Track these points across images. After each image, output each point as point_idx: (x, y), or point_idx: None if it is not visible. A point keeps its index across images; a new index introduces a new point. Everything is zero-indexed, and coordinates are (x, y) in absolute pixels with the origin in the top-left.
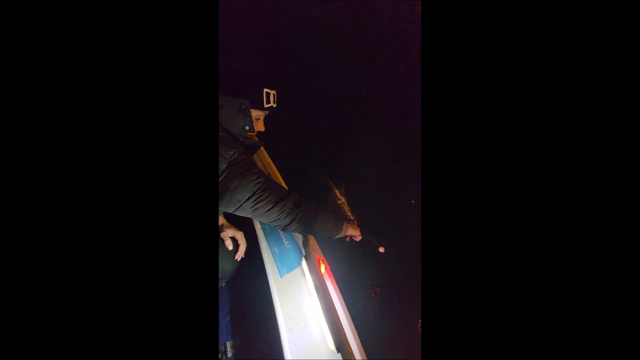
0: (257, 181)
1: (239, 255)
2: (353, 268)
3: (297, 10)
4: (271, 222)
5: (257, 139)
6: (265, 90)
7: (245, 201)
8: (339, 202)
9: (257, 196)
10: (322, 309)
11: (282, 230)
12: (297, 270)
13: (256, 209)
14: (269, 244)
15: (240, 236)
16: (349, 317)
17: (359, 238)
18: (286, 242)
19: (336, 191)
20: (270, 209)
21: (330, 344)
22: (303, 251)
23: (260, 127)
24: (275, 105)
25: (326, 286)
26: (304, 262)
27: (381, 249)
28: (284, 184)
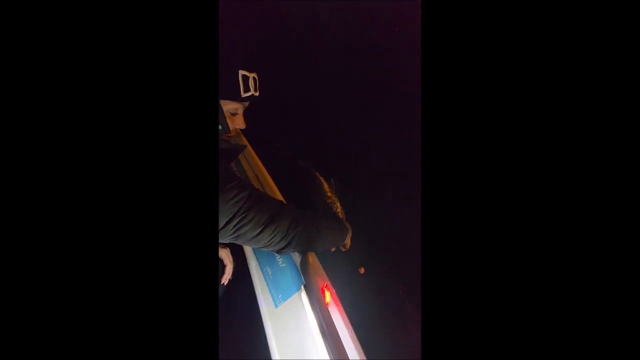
0: (236, 199)
1: (225, 278)
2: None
3: (296, 10)
4: (262, 247)
5: (235, 141)
6: (242, 72)
7: (223, 226)
8: (329, 200)
9: (239, 219)
10: (330, 355)
11: (276, 253)
12: (296, 297)
13: (239, 235)
14: (259, 264)
15: (225, 254)
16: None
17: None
18: (280, 261)
19: (326, 187)
20: (259, 233)
21: None
22: (302, 276)
23: (239, 123)
24: (257, 94)
25: (333, 324)
26: (303, 294)
27: (361, 270)
28: (275, 190)
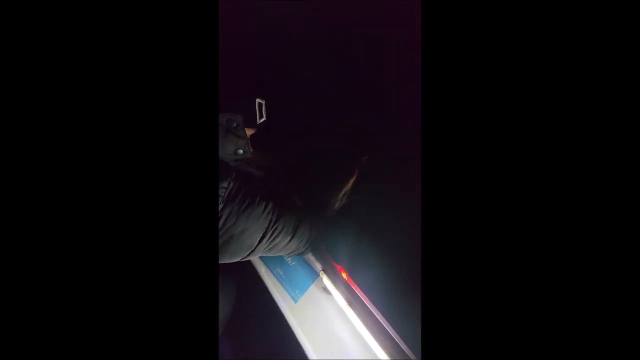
0: (267, 211)
1: None
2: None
3: (293, 10)
4: (289, 253)
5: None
6: (257, 100)
7: (258, 244)
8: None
9: (272, 231)
10: (362, 320)
11: (298, 255)
12: (312, 288)
13: (273, 246)
14: (269, 268)
15: None
16: (385, 319)
17: None
18: (289, 260)
19: (349, 184)
20: (290, 240)
21: (382, 354)
22: (318, 265)
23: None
24: (265, 119)
25: (358, 295)
26: (324, 278)
27: None
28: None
